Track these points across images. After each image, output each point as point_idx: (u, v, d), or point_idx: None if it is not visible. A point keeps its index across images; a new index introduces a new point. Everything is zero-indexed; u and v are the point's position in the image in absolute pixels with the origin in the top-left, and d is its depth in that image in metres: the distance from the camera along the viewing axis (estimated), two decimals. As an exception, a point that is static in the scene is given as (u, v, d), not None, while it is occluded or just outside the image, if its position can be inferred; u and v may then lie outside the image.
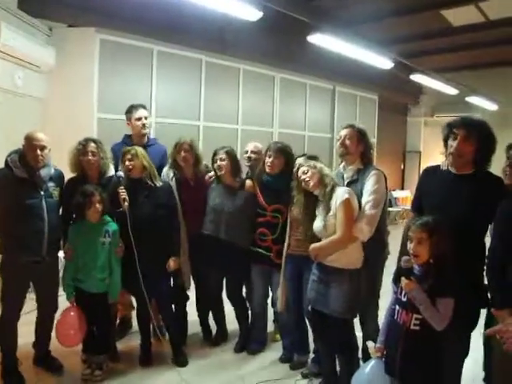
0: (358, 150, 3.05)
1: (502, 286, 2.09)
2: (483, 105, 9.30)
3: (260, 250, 3.41)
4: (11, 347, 3.05)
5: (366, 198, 2.85)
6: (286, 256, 3.28)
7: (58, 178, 3.15)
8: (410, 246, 2.28)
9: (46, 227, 2.97)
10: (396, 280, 2.38)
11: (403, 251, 2.45)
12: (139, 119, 3.77)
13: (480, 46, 7.95)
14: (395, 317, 2.36)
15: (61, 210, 3.21)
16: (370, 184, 2.88)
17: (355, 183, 2.97)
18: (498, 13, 6.44)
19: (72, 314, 3.04)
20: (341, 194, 2.76)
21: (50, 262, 3.07)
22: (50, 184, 3.05)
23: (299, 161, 3.19)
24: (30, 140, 2.92)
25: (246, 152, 3.85)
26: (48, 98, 5.19)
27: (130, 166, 3.20)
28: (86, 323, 3.06)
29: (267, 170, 3.37)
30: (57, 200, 3.10)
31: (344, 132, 3.09)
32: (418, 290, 2.22)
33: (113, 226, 3.14)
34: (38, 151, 2.91)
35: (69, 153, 3.26)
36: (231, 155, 3.49)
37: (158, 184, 3.28)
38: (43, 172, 2.99)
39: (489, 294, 2.26)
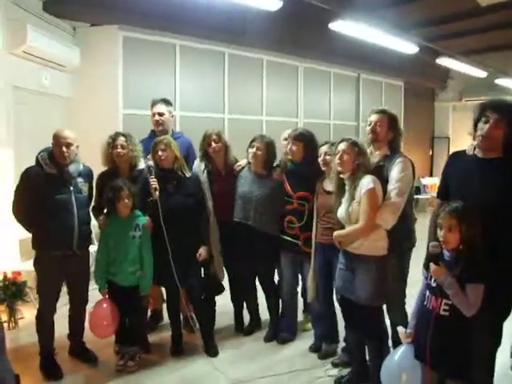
0: (388, 136, 3.00)
1: None
2: (514, 86, 9.04)
3: (288, 238, 3.43)
4: (49, 339, 3.18)
5: (392, 185, 2.81)
6: (315, 244, 3.29)
7: (86, 174, 3.23)
8: (440, 233, 2.26)
9: (76, 222, 3.07)
10: (427, 266, 2.36)
11: (432, 238, 2.42)
12: (153, 115, 3.83)
13: (509, 25, 7.69)
14: (425, 302, 2.35)
15: (92, 204, 3.31)
16: (395, 171, 2.84)
17: (381, 169, 2.92)
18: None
19: (105, 305, 3.12)
20: (366, 182, 2.73)
21: (81, 255, 3.17)
22: (79, 180, 3.14)
23: (323, 149, 3.21)
24: (56, 138, 3.03)
25: (286, 139, 3.76)
26: (74, 97, 5.30)
27: (163, 157, 3.25)
28: (118, 315, 3.13)
29: (289, 157, 3.41)
30: (86, 195, 3.20)
31: (375, 118, 3.01)
32: (447, 276, 2.20)
33: (143, 220, 3.20)
34: (64, 148, 3.00)
35: (100, 147, 3.36)
36: (269, 146, 3.51)
37: (188, 175, 3.34)
38: (72, 168, 3.09)
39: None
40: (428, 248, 2.38)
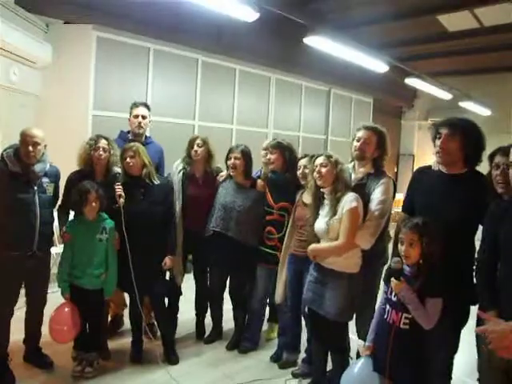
0: (374, 154, 2.95)
1: (489, 287, 2.12)
2: (476, 110, 9.37)
3: (267, 250, 3.44)
4: (3, 343, 3.05)
5: (374, 206, 2.80)
6: (287, 254, 3.31)
7: (53, 174, 3.16)
8: (402, 248, 2.32)
9: (38, 222, 3.00)
10: (387, 280, 2.42)
11: (394, 252, 2.48)
12: (136, 117, 3.79)
13: (474, 51, 8.02)
14: (385, 316, 2.41)
15: (60, 202, 3.26)
16: (379, 192, 2.82)
17: (362, 186, 2.89)
18: (493, 20, 6.48)
19: (66, 309, 3.04)
20: (349, 200, 2.72)
21: (40, 256, 3.08)
22: (45, 180, 3.07)
23: (302, 162, 3.24)
24: (23, 136, 2.96)
25: (265, 149, 3.80)
26: (43, 95, 5.19)
27: (131, 164, 3.21)
28: (79, 320, 3.05)
29: (270, 166, 3.45)
30: (50, 196, 3.13)
31: (364, 134, 2.93)
32: (408, 291, 2.27)
33: (110, 223, 3.15)
34: (30, 147, 2.94)
35: (79, 148, 3.30)
36: (246, 154, 3.53)
37: (156, 182, 3.29)
38: (37, 167, 3.01)
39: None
40: (389, 263, 2.44)
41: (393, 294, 2.36)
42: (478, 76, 9.76)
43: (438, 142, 2.43)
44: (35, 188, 3.01)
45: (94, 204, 3.03)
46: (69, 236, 3.10)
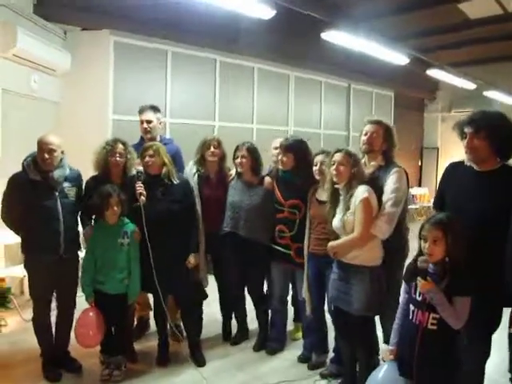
0: (382, 147, 3.00)
1: None
2: (501, 99, 9.14)
3: (279, 248, 3.41)
4: (49, 340, 3.19)
5: (387, 196, 2.81)
6: (307, 255, 3.26)
7: (74, 177, 3.19)
8: (425, 245, 2.23)
9: (62, 227, 3.03)
10: (409, 279, 2.34)
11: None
12: (142, 122, 3.81)
13: (497, 39, 7.81)
14: (410, 317, 2.32)
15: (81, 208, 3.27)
16: (391, 182, 2.84)
17: (375, 180, 2.90)
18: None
19: (91, 314, 3.05)
20: (360, 192, 2.72)
21: (68, 260, 3.12)
22: (66, 184, 3.10)
23: (319, 158, 3.16)
24: (39, 144, 3.00)
25: (276, 148, 3.75)
26: (63, 101, 5.25)
27: (150, 162, 3.21)
28: (104, 324, 3.07)
29: (280, 166, 3.40)
30: (73, 200, 3.14)
31: (370, 128, 3.00)
32: (436, 290, 2.18)
33: (131, 227, 3.15)
34: (46, 155, 2.97)
35: (94, 152, 3.30)
36: (252, 152, 3.50)
37: (175, 181, 3.28)
38: (56, 173, 3.04)
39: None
40: (414, 261, 2.36)
41: (417, 293, 2.27)
42: (502, 64, 9.50)
43: (464, 142, 2.37)
44: (57, 194, 3.03)
45: (115, 208, 3.04)
46: (89, 233, 3.14)
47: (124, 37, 5.45)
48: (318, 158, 3.17)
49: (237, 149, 3.52)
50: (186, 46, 6.04)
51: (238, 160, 3.47)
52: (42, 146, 2.98)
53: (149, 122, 3.80)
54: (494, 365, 2.57)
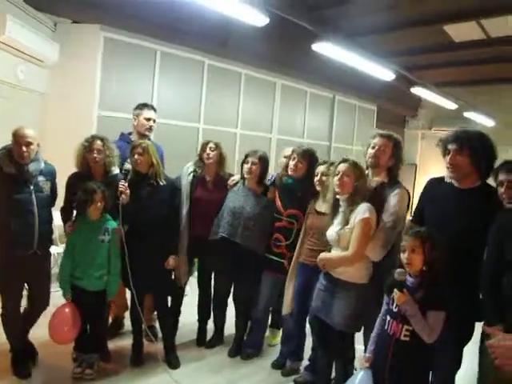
0: (388, 163, 2.89)
1: (495, 301, 2.09)
2: (481, 120, 9.36)
3: (274, 258, 3.40)
4: (19, 335, 3.13)
5: (386, 217, 2.74)
6: (296, 262, 3.26)
7: (49, 172, 3.13)
8: (404, 255, 2.30)
9: (37, 221, 2.98)
10: (388, 291, 2.39)
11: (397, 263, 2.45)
12: (148, 119, 3.79)
13: (480, 62, 8.00)
14: (385, 327, 2.38)
15: (63, 203, 3.25)
16: (392, 203, 2.75)
17: (377, 197, 2.80)
18: (499, 31, 6.48)
19: (67, 310, 3.01)
20: (362, 210, 2.68)
21: (41, 255, 3.08)
22: (41, 178, 3.05)
23: (320, 169, 3.15)
24: (15, 136, 2.93)
25: (286, 157, 3.73)
26: (49, 93, 5.17)
27: (139, 161, 3.20)
28: (80, 321, 3.03)
29: (290, 172, 3.33)
30: (47, 194, 3.10)
31: (379, 142, 2.86)
32: (410, 303, 2.24)
33: (112, 224, 3.13)
34: (24, 147, 2.91)
35: (75, 149, 3.26)
36: (264, 161, 3.48)
37: (162, 183, 3.27)
38: (32, 167, 2.99)
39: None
40: (393, 274, 2.40)
41: (394, 304, 2.33)
42: (483, 86, 9.74)
43: (447, 158, 2.43)
44: (31, 187, 2.98)
45: (99, 204, 3.01)
46: (73, 227, 3.11)
47: (114, 33, 5.40)
48: (320, 169, 3.15)
49: (248, 155, 3.48)
50: (175, 46, 6.02)
51: (248, 166, 3.43)
52: (19, 139, 2.90)
53: (154, 121, 3.83)
54: (461, 378, 2.62)
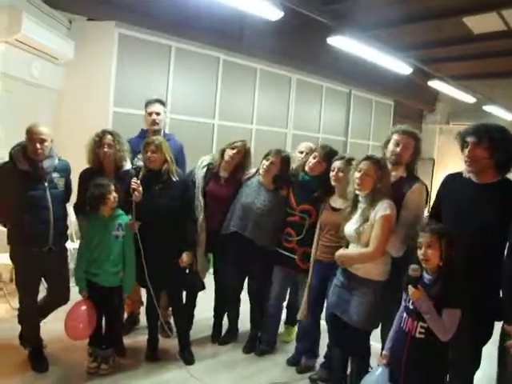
0: (409, 159, 2.88)
1: None
2: (500, 114, 9.20)
3: (284, 252, 3.38)
4: (34, 332, 3.15)
5: (406, 213, 2.71)
6: (313, 262, 3.22)
7: (63, 168, 3.14)
8: (420, 251, 2.27)
9: (52, 217, 3.00)
10: (406, 288, 2.36)
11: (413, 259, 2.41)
12: (150, 114, 3.80)
13: (499, 54, 7.85)
14: (401, 324, 2.35)
15: (76, 199, 3.26)
16: (412, 198, 2.73)
17: (394, 191, 2.76)
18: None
19: (83, 307, 3.03)
20: (383, 207, 2.63)
21: (57, 251, 3.10)
22: (55, 175, 3.06)
23: (337, 164, 3.09)
24: (29, 133, 2.94)
25: (301, 152, 3.73)
26: (64, 90, 5.21)
27: (152, 158, 3.19)
28: (95, 318, 3.05)
29: (307, 169, 3.28)
30: (62, 190, 3.11)
31: (404, 139, 2.83)
32: (425, 299, 2.21)
33: (125, 219, 3.13)
34: (38, 144, 2.92)
35: (86, 145, 3.27)
36: (285, 163, 3.44)
37: (175, 179, 3.25)
38: (46, 163, 3.00)
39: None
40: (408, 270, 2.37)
41: (410, 301, 2.30)
42: (502, 79, 9.56)
43: (465, 152, 2.38)
44: (46, 184, 2.99)
45: (112, 199, 3.01)
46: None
47: (129, 29, 5.42)
48: (336, 164, 3.09)
49: (270, 152, 3.43)
50: (190, 42, 6.01)
51: (267, 163, 3.39)
52: (33, 135, 2.92)
53: (158, 113, 3.80)
54: (480, 377, 2.57)
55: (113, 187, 3.02)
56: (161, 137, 3.39)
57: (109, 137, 3.25)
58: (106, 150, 3.22)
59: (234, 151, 3.51)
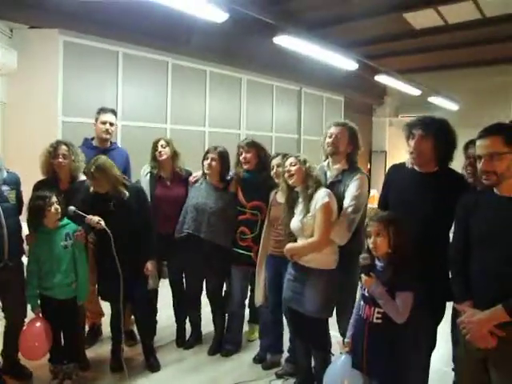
0: (347, 150, 3.00)
1: (462, 278, 2.14)
2: (445, 105, 9.54)
3: (240, 251, 3.42)
4: None
5: (348, 201, 2.84)
6: (263, 254, 3.30)
7: (13, 181, 3.06)
8: (369, 240, 2.36)
9: (5, 232, 2.90)
10: (359, 276, 2.45)
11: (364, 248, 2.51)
12: (104, 123, 3.76)
13: (440, 48, 8.15)
14: (360, 311, 2.44)
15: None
16: (353, 188, 2.86)
17: (338, 184, 2.94)
18: (457, 17, 6.62)
19: (37, 325, 2.94)
20: (321, 196, 2.76)
21: (13, 267, 3.00)
22: (5, 188, 2.97)
23: (275, 161, 3.23)
24: None
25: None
26: (10, 102, 5.05)
27: (95, 186, 3.08)
28: (51, 334, 2.96)
29: (244, 166, 3.41)
30: (14, 204, 3.02)
31: (335, 130, 3.00)
32: (377, 285, 2.30)
33: (72, 227, 3.05)
34: None
35: (40, 156, 3.22)
36: (223, 157, 3.51)
37: (126, 195, 3.15)
38: None
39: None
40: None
41: (365, 289, 2.39)
42: (445, 72, 9.92)
43: (411, 143, 2.47)
44: None
45: (53, 210, 2.93)
46: (32, 238, 3.03)
47: (74, 36, 5.29)
48: (274, 161, 3.24)
49: (208, 151, 3.51)
50: (137, 47, 5.94)
51: (208, 162, 3.46)
52: None
53: (111, 124, 3.78)
54: (438, 355, 2.70)
55: (54, 199, 2.94)
56: (103, 157, 3.18)
57: (63, 147, 3.22)
58: (60, 160, 3.19)
59: (159, 149, 3.55)
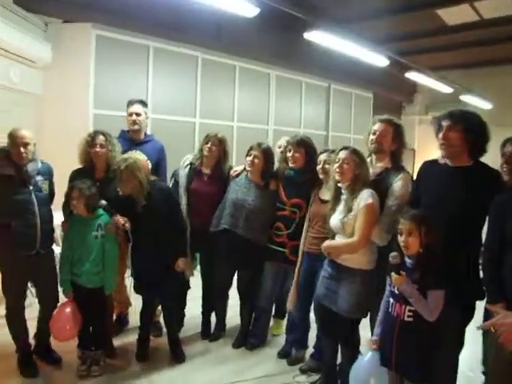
0: (391, 148, 2.90)
1: (496, 280, 2.10)
2: (477, 103, 9.33)
3: (274, 247, 3.39)
4: (23, 336, 3.14)
5: (391, 201, 2.74)
6: (302, 256, 3.25)
7: (46, 171, 3.15)
8: (401, 238, 2.33)
9: (38, 221, 3.00)
10: (389, 273, 2.41)
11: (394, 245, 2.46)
12: (130, 115, 3.80)
13: (474, 44, 7.98)
14: (389, 309, 2.41)
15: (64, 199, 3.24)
16: (396, 187, 2.75)
17: (380, 182, 2.82)
18: (492, 12, 6.46)
19: (67, 308, 3.04)
20: (365, 196, 2.67)
21: (45, 254, 3.10)
22: (39, 178, 3.06)
23: (322, 157, 3.15)
24: (12, 138, 2.95)
25: (280, 147, 3.79)
26: (44, 94, 5.16)
27: (121, 192, 3.13)
28: (80, 318, 3.06)
29: (290, 164, 3.31)
30: (47, 193, 3.12)
31: (380, 127, 2.88)
32: (408, 284, 2.27)
33: (105, 219, 3.13)
34: (22, 148, 2.93)
35: (78, 144, 3.32)
36: (267, 154, 3.46)
37: (143, 203, 3.16)
38: (30, 167, 3.01)
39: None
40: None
41: (395, 286, 2.36)
42: (478, 69, 9.71)
43: (440, 135, 2.43)
44: (30, 188, 2.99)
45: (75, 201, 3.01)
46: (65, 226, 3.17)
47: (106, 30, 5.38)
48: (322, 157, 3.15)
49: (252, 147, 3.46)
50: (168, 41, 6.00)
51: (250, 158, 3.42)
52: (17, 139, 2.92)
53: (138, 114, 3.80)
54: (465, 359, 2.63)
55: (77, 191, 3.01)
56: (133, 157, 3.19)
57: (101, 137, 3.30)
58: (97, 149, 3.27)
59: (209, 144, 3.54)
